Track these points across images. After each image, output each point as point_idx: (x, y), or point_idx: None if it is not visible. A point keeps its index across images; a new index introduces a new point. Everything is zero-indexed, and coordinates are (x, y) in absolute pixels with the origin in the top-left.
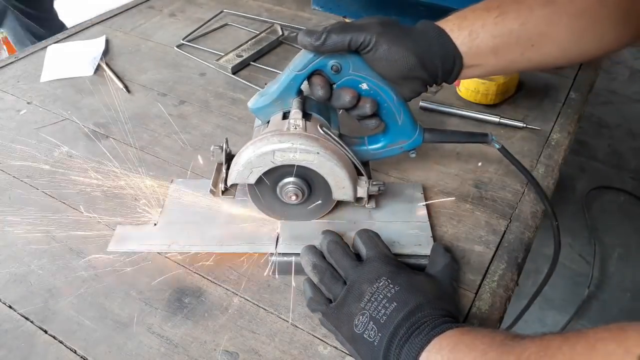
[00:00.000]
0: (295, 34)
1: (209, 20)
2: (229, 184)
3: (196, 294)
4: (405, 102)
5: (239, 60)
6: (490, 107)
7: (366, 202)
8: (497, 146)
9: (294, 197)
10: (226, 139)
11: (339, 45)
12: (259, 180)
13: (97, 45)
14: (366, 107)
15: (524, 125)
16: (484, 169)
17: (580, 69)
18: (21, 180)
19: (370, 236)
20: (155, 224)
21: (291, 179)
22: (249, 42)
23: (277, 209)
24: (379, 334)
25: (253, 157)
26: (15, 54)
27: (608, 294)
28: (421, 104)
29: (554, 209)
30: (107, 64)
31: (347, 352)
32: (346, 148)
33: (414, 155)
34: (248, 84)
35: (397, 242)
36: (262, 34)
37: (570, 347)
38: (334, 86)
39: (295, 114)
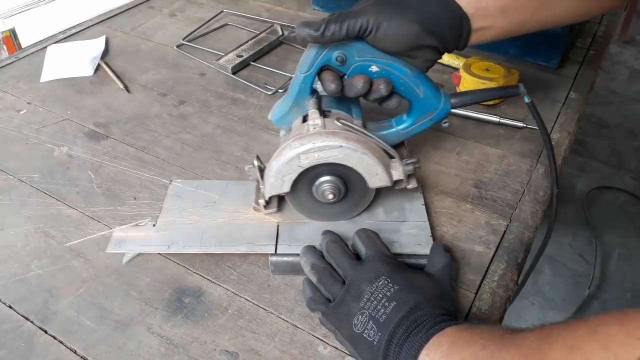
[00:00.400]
0: (295, 34)
1: (209, 20)
2: (266, 197)
3: (196, 294)
4: (423, 73)
5: (239, 60)
6: (490, 107)
7: (406, 183)
8: (527, 100)
9: (330, 196)
10: (257, 155)
11: (338, 34)
12: (296, 187)
13: (97, 45)
14: (381, 89)
15: (524, 125)
16: (484, 169)
17: (581, 68)
18: (21, 180)
19: (369, 235)
20: (154, 225)
21: (323, 179)
22: (249, 42)
23: (320, 211)
24: (379, 333)
25: (280, 166)
26: (15, 54)
27: (608, 294)
28: None
29: (558, 178)
30: (107, 64)
31: (347, 352)
32: (370, 134)
33: (446, 124)
34: (248, 84)
35: (396, 241)
36: (262, 34)
37: (571, 332)
38: (345, 77)
39: (313, 114)
